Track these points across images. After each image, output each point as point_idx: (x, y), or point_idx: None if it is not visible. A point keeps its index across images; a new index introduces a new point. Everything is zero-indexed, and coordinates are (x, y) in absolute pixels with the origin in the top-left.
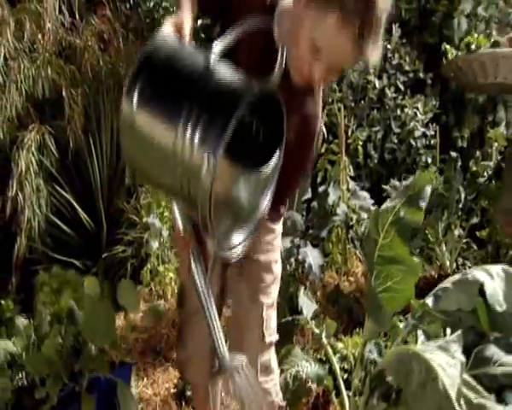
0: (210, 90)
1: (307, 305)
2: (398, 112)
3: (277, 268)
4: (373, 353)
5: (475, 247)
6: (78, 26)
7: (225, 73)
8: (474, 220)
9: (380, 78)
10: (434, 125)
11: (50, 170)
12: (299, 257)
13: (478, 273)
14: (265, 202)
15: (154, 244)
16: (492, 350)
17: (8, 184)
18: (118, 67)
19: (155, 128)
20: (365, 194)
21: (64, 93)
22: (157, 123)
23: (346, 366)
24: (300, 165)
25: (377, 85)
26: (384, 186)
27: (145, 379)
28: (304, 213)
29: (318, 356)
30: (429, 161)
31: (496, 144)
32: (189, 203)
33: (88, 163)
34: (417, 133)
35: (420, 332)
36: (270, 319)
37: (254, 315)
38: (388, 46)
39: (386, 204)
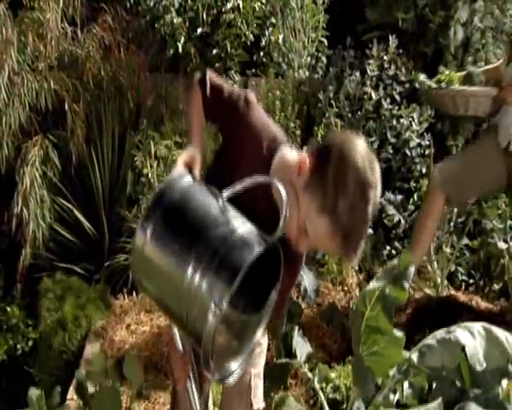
0: (220, 238)
1: (301, 346)
2: (394, 122)
3: (264, 340)
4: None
5: (468, 254)
6: (79, 35)
7: (236, 222)
8: (465, 241)
9: (376, 88)
10: (430, 134)
11: (53, 180)
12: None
13: (460, 333)
14: (260, 332)
15: None
16: (472, 407)
17: (12, 197)
18: (118, 76)
19: (165, 263)
20: None
21: (66, 103)
22: (168, 259)
23: (338, 397)
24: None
25: (373, 97)
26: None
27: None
28: None
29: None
30: (424, 170)
31: None
32: (191, 334)
33: (90, 171)
34: (412, 143)
35: (406, 384)
36: (257, 387)
37: (243, 384)
38: (385, 57)
39: (373, 283)
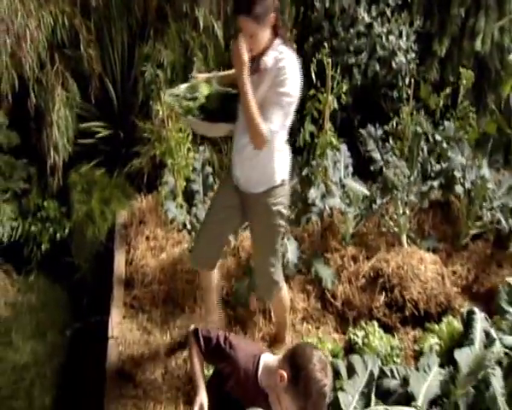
0: None
1: None
2: (384, 39)
3: None
4: None
5: None
6: None
7: None
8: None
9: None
10: (416, 45)
11: (74, 98)
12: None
13: None
14: None
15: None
16: None
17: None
18: None
19: None
20: (355, 184)
21: (78, 22)
22: None
23: None
24: None
25: (366, 19)
26: (361, 130)
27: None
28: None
29: None
30: (407, 81)
31: (464, 82)
32: None
33: (105, 84)
34: (399, 56)
35: None
36: None
37: None
38: None
39: None
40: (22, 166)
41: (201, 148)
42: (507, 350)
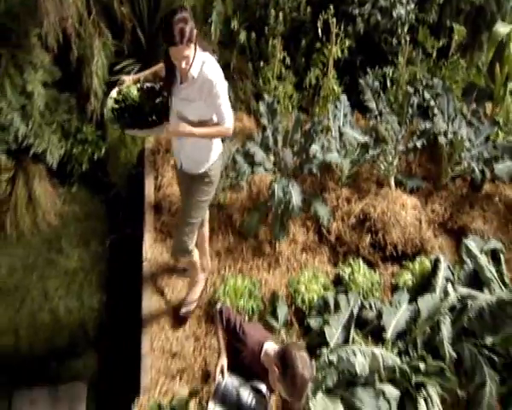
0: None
1: (282, 309)
2: None
3: None
4: None
5: None
6: None
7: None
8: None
9: None
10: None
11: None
12: (287, 197)
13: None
14: None
15: None
16: (359, 390)
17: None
18: None
19: None
20: (352, 132)
21: None
22: None
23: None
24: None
25: None
26: (360, 80)
27: None
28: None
29: None
30: (405, 29)
31: (456, 38)
32: None
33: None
34: (398, 8)
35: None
36: None
37: None
38: None
39: None
40: (65, 98)
41: None
42: (459, 298)
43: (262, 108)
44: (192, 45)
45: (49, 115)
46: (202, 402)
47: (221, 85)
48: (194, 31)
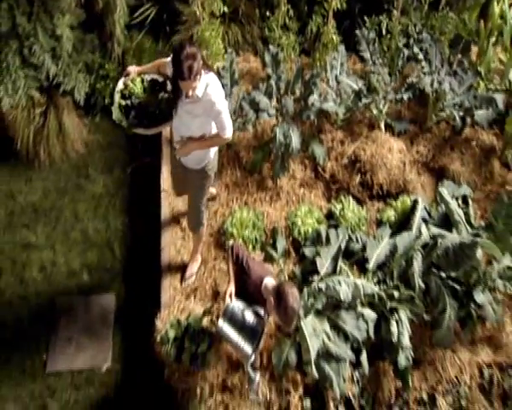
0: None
1: (280, 242)
2: None
3: None
4: None
5: None
6: None
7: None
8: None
9: None
10: None
11: None
12: (287, 140)
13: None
14: None
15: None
16: (343, 313)
17: None
18: None
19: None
20: (348, 80)
21: None
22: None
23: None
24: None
25: None
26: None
27: None
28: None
29: None
30: None
31: None
32: None
33: None
34: None
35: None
36: None
37: None
38: None
39: None
40: (90, 39)
41: (229, 50)
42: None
43: (267, 58)
44: (198, 76)
45: (75, 55)
46: (213, 319)
47: (222, 104)
48: (201, 62)
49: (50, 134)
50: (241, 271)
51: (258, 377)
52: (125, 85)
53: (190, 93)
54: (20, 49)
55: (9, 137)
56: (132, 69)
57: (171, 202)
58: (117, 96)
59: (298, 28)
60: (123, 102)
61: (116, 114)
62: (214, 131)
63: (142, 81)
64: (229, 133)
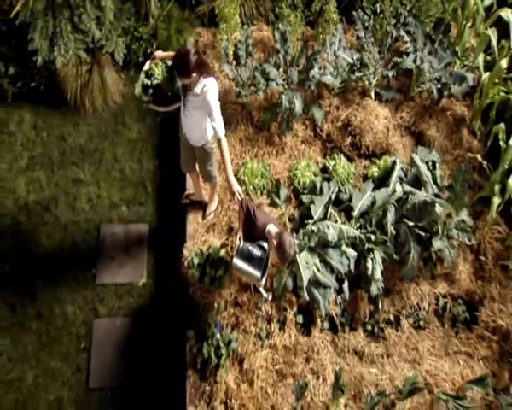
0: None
1: (282, 191)
2: None
3: None
4: None
5: None
6: None
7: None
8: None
9: None
10: None
11: None
12: (292, 105)
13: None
14: None
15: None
16: (330, 251)
17: None
18: None
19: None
20: (344, 55)
21: None
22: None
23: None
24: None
25: None
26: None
27: None
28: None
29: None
30: None
31: None
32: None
33: None
34: None
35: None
36: None
37: None
38: None
39: None
40: (127, 8)
41: (245, 26)
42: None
43: (277, 35)
44: (194, 75)
45: (116, 22)
46: (228, 250)
47: (215, 103)
48: (195, 64)
49: (94, 87)
50: (250, 219)
51: (270, 296)
52: (150, 67)
53: (191, 86)
54: (71, 18)
55: (61, 89)
56: (158, 54)
57: None
58: (142, 75)
59: (304, 5)
60: (145, 81)
61: (138, 90)
62: (209, 129)
63: (166, 66)
64: (221, 133)
